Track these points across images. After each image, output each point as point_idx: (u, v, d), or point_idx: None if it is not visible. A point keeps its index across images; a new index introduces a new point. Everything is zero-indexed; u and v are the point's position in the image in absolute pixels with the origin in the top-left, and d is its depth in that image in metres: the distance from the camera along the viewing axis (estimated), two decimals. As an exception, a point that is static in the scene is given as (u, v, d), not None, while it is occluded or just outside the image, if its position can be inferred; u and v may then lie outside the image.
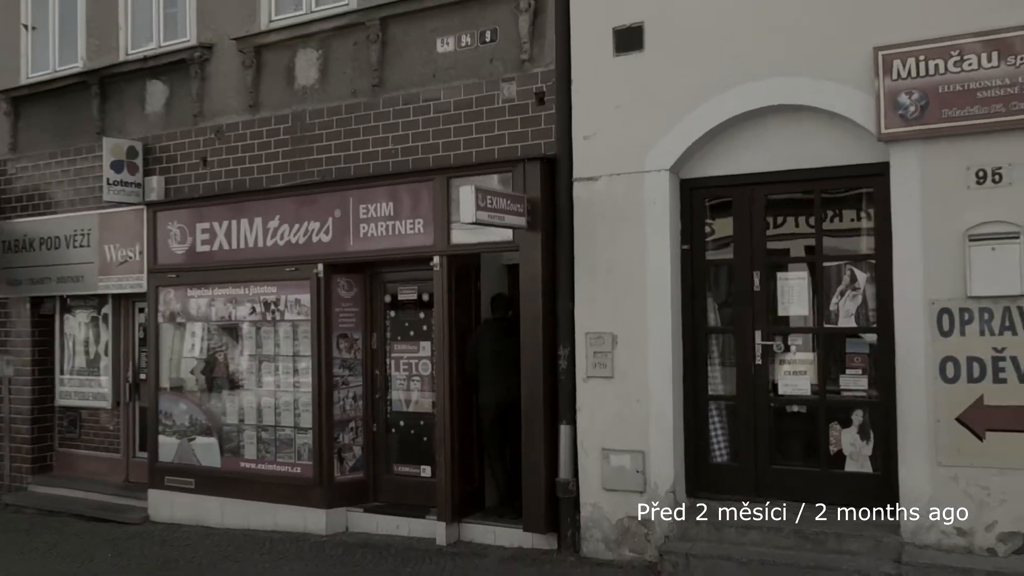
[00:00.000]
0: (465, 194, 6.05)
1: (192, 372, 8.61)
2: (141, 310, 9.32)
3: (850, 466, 6.06)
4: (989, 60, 5.35)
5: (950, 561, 5.33)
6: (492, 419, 7.20)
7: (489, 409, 7.19)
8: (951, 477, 5.46)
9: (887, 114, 5.58)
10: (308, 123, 8.07)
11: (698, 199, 6.53)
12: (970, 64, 5.39)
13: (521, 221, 6.52)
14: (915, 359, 5.56)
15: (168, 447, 8.64)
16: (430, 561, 6.72)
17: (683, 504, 6.32)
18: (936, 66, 5.46)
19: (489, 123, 7.15)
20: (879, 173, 5.78)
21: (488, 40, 7.23)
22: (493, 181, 6.91)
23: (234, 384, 8.32)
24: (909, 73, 5.53)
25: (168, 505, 8.56)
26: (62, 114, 9.81)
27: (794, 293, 6.26)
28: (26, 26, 10.16)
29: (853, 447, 6.05)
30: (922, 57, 5.49)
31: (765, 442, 6.32)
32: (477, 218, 6.08)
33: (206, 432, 8.43)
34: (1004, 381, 5.35)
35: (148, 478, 8.79)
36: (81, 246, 9.42)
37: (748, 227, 6.36)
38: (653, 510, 6.28)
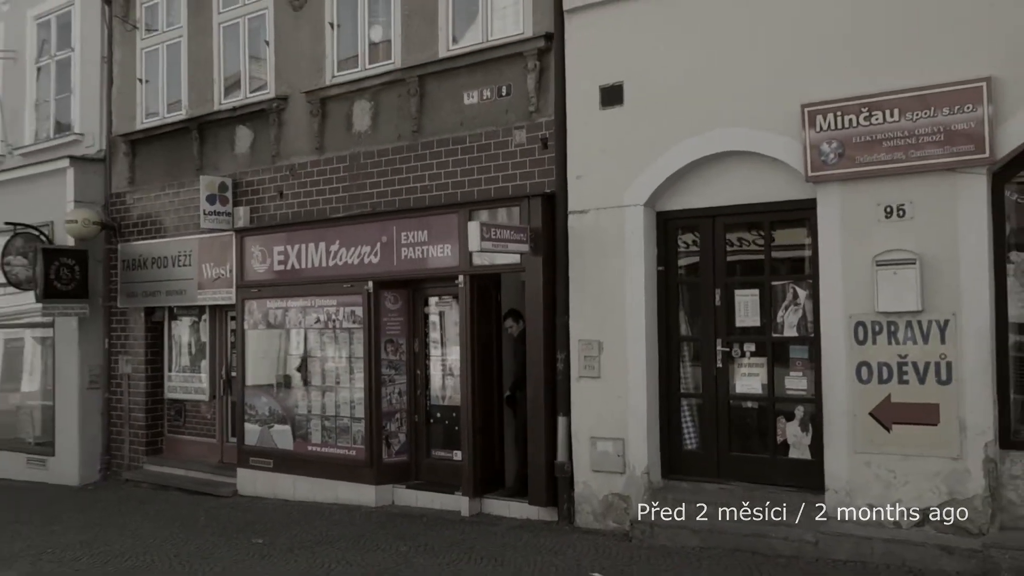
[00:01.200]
0: (472, 228, 7.48)
1: (271, 371, 10.32)
2: (232, 318, 11.07)
3: (793, 453, 7.19)
4: (892, 116, 6.42)
5: (859, 531, 6.44)
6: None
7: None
8: (865, 462, 6.55)
9: (812, 160, 6.72)
10: (362, 163, 9.64)
11: (671, 228, 7.77)
12: (877, 119, 6.47)
13: (524, 248, 7.89)
14: (837, 363, 6.67)
15: (252, 433, 10.37)
16: (453, 528, 8.15)
17: (655, 483, 7.56)
18: (850, 120, 6.57)
19: (504, 164, 8.55)
20: (811, 207, 6.90)
21: (504, 94, 8.63)
22: (504, 214, 8.31)
23: (304, 381, 9.98)
24: (829, 126, 6.64)
25: (252, 481, 10.29)
26: (169, 154, 11.70)
27: (748, 307, 7.42)
28: (141, 80, 12.10)
29: (795, 437, 7.18)
30: (839, 112, 6.60)
31: (725, 433, 7.52)
32: (482, 247, 7.50)
33: (282, 420, 10.12)
34: (907, 382, 6.41)
35: (236, 459, 10.56)
36: (184, 265, 11.27)
37: (711, 252, 7.58)
38: (630, 488, 7.55)
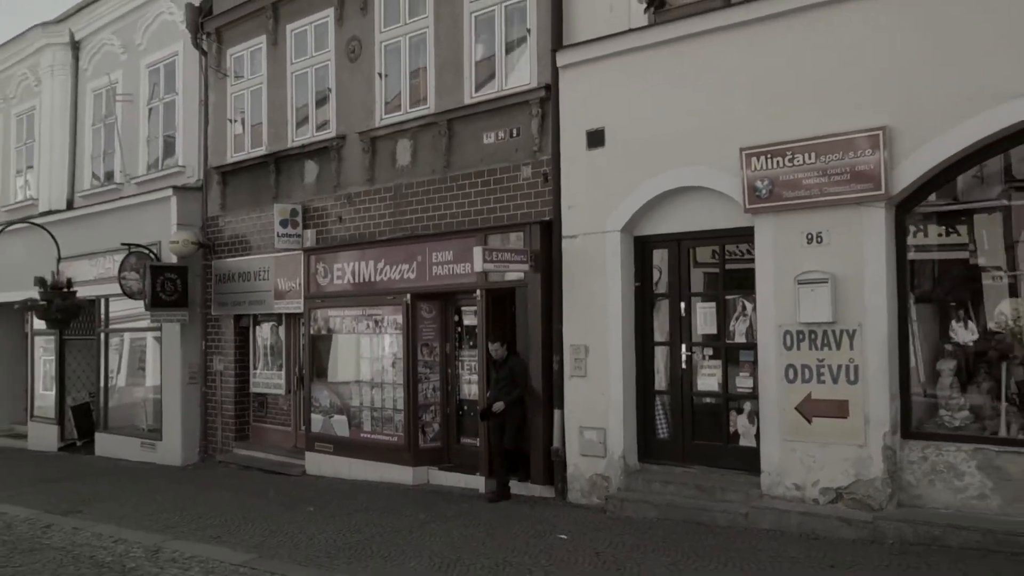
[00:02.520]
0: (476, 252, 9.08)
1: (331, 369, 12.16)
2: (302, 324, 12.97)
3: (742, 441, 8.46)
4: (809, 158, 7.65)
5: (783, 506, 7.69)
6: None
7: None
8: (791, 449, 7.79)
9: (749, 194, 8.00)
10: (403, 192, 11.34)
11: (647, 250, 9.15)
12: (798, 161, 7.71)
13: (524, 268, 9.43)
14: (769, 366, 7.93)
15: (317, 422, 12.24)
16: (469, 502, 9.73)
17: (631, 466, 8.96)
18: (777, 161, 7.82)
19: (513, 195, 10.09)
20: (751, 234, 8.17)
21: (514, 135, 10.17)
22: (513, 238, 9.86)
23: (357, 378, 11.76)
24: (762, 166, 7.91)
25: (317, 463, 12.15)
26: (252, 183, 13.72)
27: (707, 318, 8.74)
28: (230, 120, 14.19)
29: (744, 428, 8.45)
30: (769, 155, 7.86)
31: (689, 424, 8.86)
32: (484, 268, 9.08)
33: (340, 411, 11.93)
34: (824, 382, 7.63)
35: (305, 444, 12.45)
36: (263, 279, 13.26)
37: (677, 270, 8.93)
38: (610, 470, 8.97)
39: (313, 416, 12.32)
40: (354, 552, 7.76)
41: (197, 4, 14.54)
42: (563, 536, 7.90)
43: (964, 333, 7.47)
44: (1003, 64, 6.80)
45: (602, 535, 7.89)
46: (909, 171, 7.25)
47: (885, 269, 7.38)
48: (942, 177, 7.36)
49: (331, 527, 8.81)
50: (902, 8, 7.32)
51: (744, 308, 8.51)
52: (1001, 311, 7.36)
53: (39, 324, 16.42)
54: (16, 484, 12.85)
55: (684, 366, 8.88)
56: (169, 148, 15.64)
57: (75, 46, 17.98)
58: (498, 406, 9.50)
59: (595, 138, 9.21)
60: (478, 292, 10.21)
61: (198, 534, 8.80)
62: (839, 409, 7.53)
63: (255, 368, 14.05)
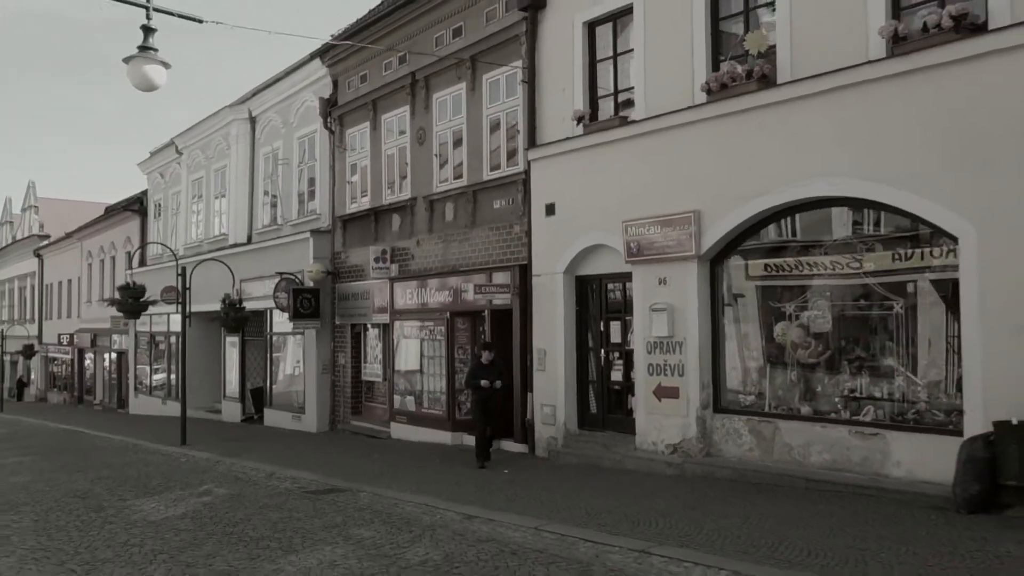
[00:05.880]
0: (468, 287, 13.71)
1: (406, 363, 17.16)
2: (391, 332, 18.01)
3: (636, 415, 12.55)
4: (658, 229, 11.71)
5: (644, 456, 11.79)
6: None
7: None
8: (650, 419, 11.88)
9: (627, 251, 12.13)
10: (449, 240, 16.12)
11: (583, 285, 13.43)
12: (653, 231, 11.79)
13: (506, 297, 13.96)
14: (642, 364, 12.04)
15: (397, 401, 17.29)
16: (471, 455, 14.35)
17: (572, 431, 13.29)
18: (641, 230, 11.93)
19: (508, 244, 14.62)
20: (631, 276, 12.29)
21: (510, 203, 14.70)
22: (504, 276, 14.39)
23: (419, 369, 16.69)
24: (634, 233, 12.03)
25: (398, 430, 17.19)
26: (361, 229, 18.97)
27: (615, 331, 12.93)
28: (348, 182, 19.53)
29: (636, 405, 12.56)
30: (637, 226, 11.98)
31: (606, 403, 13.09)
32: (474, 299, 13.69)
33: (410, 393, 16.90)
34: (667, 375, 11.67)
35: (390, 417, 17.53)
36: (366, 299, 18.47)
37: (598, 299, 13.17)
38: (558, 434, 13.34)
39: (395, 397, 17.38)
40: (383, 476, 12.61)
41: (327, 97, 20.02)
42: (506, 471, 12.39)
43: (756, 344, 11.28)
44: (758, 175, 10.64)
45: (532, 472, 12.31)
46: (709, 238, 11.20)
47: (698, 302, 11.36)
48: (735, 243, 11.22)
49: (380, 464, 13.72)
50: (709, 136, 11.22)
51: (633, 326, 12.64)
52: (776, 330, 11.11)
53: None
54: (207, 440, 18.71)
55: (603, 364, 13.13)
56: (310, 200, 21.27)
57: (252, 121, 24.14)
58: (496, 383, 13.82)
59: (550, 209, 13.60)
60: (486, 312, 14.83)
61: (300, 466, 13.98)
62: (674, 393, 11.57)
63: (365, 362, 19.32)
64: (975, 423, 8.52)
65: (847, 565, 6.64)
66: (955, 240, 8.88)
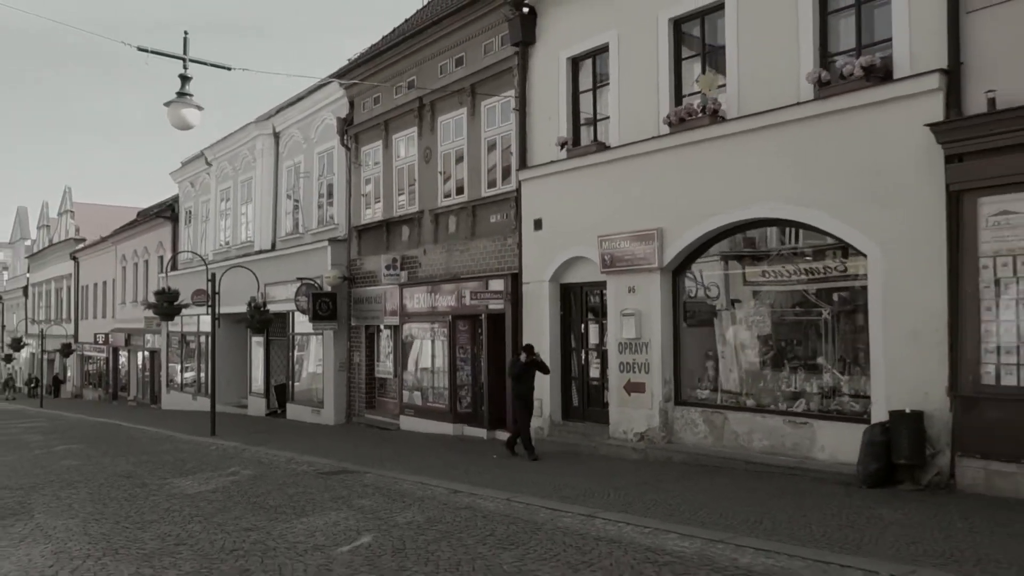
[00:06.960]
0: (465, 293, 15.38)
1: (414, 361, 18.86)
2: (400, 333, 19.72)
3: (610, 407, 14.15)
4: (627, 244, 13.31)
5: (616, 443, 13.40)
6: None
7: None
8: (621, 411, 13.48)
9: (601, 263, 13.74)
10: (452, 250, 17.80)
11: (567, 292, 15.06)
12: (623, 245, 13.39)
13: (500, 303, 15.62)
14: (614, 363, 13.64)
15: (406, 395, 19.01)
16: (476, 443, 16.01)
17: (556, 422, 14.91)
18: (614, 245, 13.53)
19: (502, 254, 16.28)
20: (606, 285, 13.90)
21: (505, 218, 16.35)
22: (497, 283, 16.05)
23: (425, 367, 18.38)
24: (608, 247, 13.64)
25: (407, 423, 18.90)
26: (374, 238, 20.70)
27: (594, 333, 14.55)
28: (363, 194, 21.26)
29: (610, 399, 14.16)
30: (610, 240, 13.58)
31: (587, 396, 14.71)
32: (470, 304, 15.36)
33: (417, 388, 18.62)
34: (635, 372, 13.27)
35: (400, 411, 19.25)
36: (379, 303, 20.20)
37: (579, 303, 14.80)
38: (544, 424, 14.98)
39: (404, 392, 19.10)
40: (389, 461, 14.31)
41: (343, 117, 21.79)
42: (495, 456, 14.04)
43: (710, 344, 12.84)
44: (711, 198, 12.20)
45: (519, 458, 13.95)
46: (670, 252, 12.79)
47: (661, 308, 12.95)
48: (692, 256, 12.79)
49: (386, 451, 15.43)
50: (671, 163, 12.79)
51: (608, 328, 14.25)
52: (728, 333, 12.67)
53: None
54: (235, 432, 20.49)
55: (583, 362, 14.76)
56: (328, 210, 23.04)
57: (276, 136, 25.97)
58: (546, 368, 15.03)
59: (538, 224, 15.23)
60: (483, 316, 16.50)
61: (317, 453, 15.70)
62: (641, 388, 13.17)
63: (378, 361, 21.05)
64: (880, 412, 10.07)
65: (746, 524, 8.22)
66: (866, 257, 10.43)
